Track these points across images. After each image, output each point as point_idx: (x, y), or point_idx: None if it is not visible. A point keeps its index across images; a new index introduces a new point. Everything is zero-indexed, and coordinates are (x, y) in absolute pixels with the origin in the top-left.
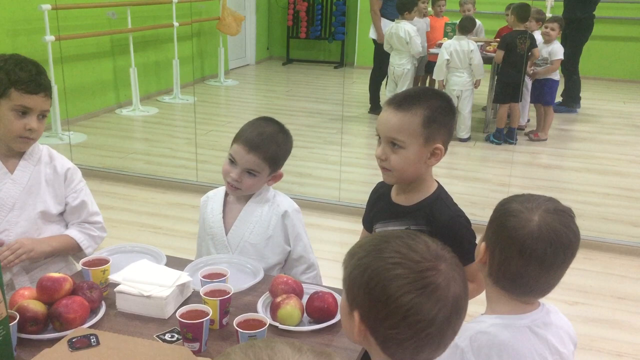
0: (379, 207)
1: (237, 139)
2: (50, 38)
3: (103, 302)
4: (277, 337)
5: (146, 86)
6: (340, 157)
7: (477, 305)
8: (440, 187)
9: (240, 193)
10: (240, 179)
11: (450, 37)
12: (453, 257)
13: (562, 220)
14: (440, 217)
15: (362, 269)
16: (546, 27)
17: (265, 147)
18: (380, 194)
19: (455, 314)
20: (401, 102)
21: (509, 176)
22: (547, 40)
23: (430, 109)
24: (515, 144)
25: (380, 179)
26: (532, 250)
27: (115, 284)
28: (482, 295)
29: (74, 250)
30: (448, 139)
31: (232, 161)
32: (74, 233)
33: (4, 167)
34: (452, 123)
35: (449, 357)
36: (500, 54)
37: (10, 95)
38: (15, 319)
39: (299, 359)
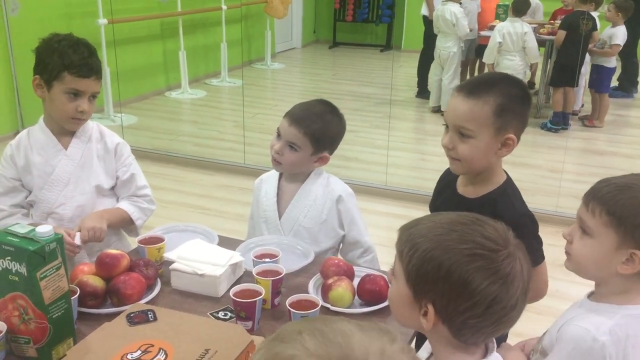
0: (444, 197)
1: (285, 115)
2: (103, 21)
3: (158, 280)
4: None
5: (195, 69)
6: (388, 141)
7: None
8: (508, 180)
9: (282, 168)
10: (282, 152)
11: (502, 19)
12: (514, 236)
13: None
14: (504, 215)
15: (435, 263)
16: (608, 10)
17: (307, 122)
18: (446, 183)
19: (527, 291)
20: (472, 88)
21: (562, 162)
22: (613, 24)
23: (504, 96)
24: (567, 129)
25: (446, 166)
26: None
27: (170, 262)
28: None
29: (126, 222)
30: (521, 129)
31: (278, 135)
32: (125, 205)
33: (59, 144)
34: (526, 112)
35: (587, 352)
36: (562, 35)
37: (63, 79)
38: (76, 294)
39: (391, 347)
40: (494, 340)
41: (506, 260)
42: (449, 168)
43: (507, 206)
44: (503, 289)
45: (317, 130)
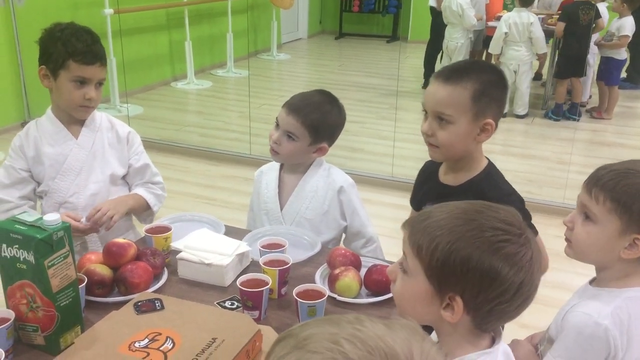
0: (427, 188)
1: (283, 105)
2: (109, 11)
3: (165, 269)
4: (338, 309)
5: (200, 60)
6: (394, 133)
7: None
8: (490, 165)
9: (280, 158)
10: (280, 141)
11: (509, 10)
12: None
13: None
14: (491, 196)
15: (462, 255)
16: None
17: (305, 112)
18: (428, 174)
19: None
20: (450, 74)
21: (570, 154)
22: (620, 15)
23: (481, 82)
24: (577, 120)
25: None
26: None
27: (177, 251)
28: None
29: (144, 208)
30: (499, 114)
31: (277, 124)
32: (142, 192)
33: (69, 133)
34: (503, 97)
35: (591, 336)
36: (561, 26)
37: (68, 67)
38: (84, 282)
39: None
40: (501, 331)
41: (526, 244)
42: (429, 160)
43: (493, 188)
44: (527, 274)
45: (315, 120)
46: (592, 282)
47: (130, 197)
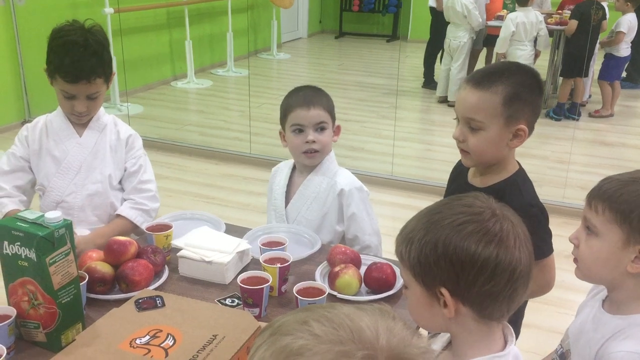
0: (454, 187)
1: (291, 109)
2: (109, 10)
3: (166, 266)
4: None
5: (201, 59)
6: (394, 132)
7: None
8: (519, 171)
9: (320, 157)
10: (317, 138)
11: (509, 9)
12: (497, 201)
13: None
14: (512, 204)
15: (431, 245)
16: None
17: (320, 99)
18: (459, 172)
19: (531, 252)
20: (481, 79)
21: (569, 153)
22: (623, 13)
23: (513, 85)
24: (578, 119)
25: (453, 156)
26: None
27: (178, 249)
28: None
29: (129, 231)
30: (533, 119)
31: (300, 130)
32: (126, 212)
33: (74, 132)
34: (538, 101)
35: None
36: (573, 24)
37: (56, 80)
38: (85, 279)
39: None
40: (513, 333)
41: (492, 219)
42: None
43: (515, 195)
44: (501, 248)
45: (328, 103)
46: (603, 305)
47: (100, 235)
